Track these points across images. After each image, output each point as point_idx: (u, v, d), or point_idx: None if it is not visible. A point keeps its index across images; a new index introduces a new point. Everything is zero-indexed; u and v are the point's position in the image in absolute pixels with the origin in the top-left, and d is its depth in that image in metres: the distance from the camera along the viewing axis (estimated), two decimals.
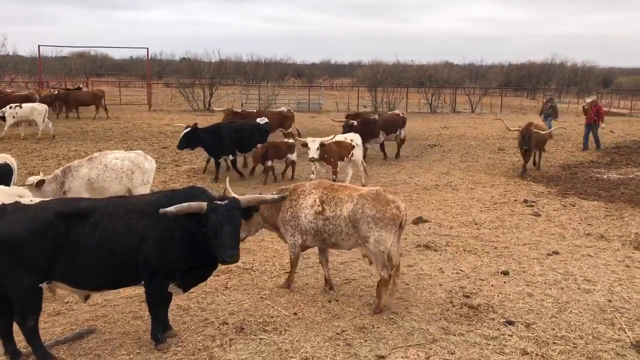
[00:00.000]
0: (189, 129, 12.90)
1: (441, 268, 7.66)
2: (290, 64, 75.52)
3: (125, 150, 9.83)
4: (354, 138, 12.92)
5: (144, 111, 30.32)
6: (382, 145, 16.81)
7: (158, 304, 5.28)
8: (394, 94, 36.55)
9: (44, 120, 19.03)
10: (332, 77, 78.44)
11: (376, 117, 16.77)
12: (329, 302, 6.48)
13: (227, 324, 5.87)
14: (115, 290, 5.95)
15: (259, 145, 13.06)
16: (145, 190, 8.89)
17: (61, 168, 8.54)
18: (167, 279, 5.14)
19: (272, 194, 6.36)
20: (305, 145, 11.75)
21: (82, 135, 19.88)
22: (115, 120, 25.16)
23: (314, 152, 11.48)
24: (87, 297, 5.44)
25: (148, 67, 36.42)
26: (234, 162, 13.62)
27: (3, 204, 4.92)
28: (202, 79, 35.35)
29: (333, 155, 12.10)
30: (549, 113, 21.00)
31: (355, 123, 15.28)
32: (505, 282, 7.18)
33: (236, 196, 5.33)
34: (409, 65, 54.54)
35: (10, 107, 18.82)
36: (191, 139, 12.86)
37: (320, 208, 6.35)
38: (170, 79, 51.85)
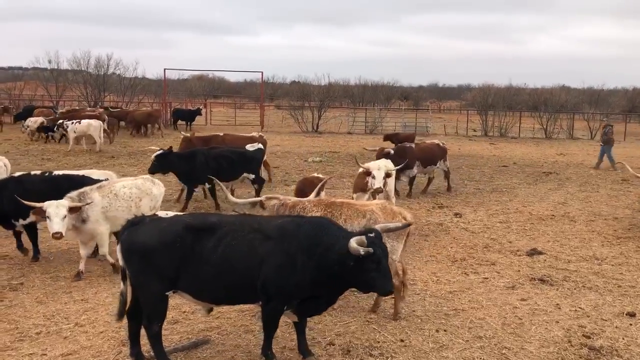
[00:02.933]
0: (160, 152, 11.76)
1: (558, 304, 7.21)
2: (396, 87, 75.57)
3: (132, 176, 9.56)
4: (388, 165, 10.85)
5: (256, 132, 31.63)
6: (412, 180, 14.31)
7: (272, 326, 5.30)
8: (506, 118, 35.28)
9: (100, 136, 20.99)
10: (440, 100, 77.30)
11: (412, 145, 14.92)
12: (437, 331, 6.32)
13: (333, 344, 5.91)
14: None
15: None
16: None
17: (76, 192, 7.85)
18: (283, 304, 5.12)
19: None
20: (368, 173, 10.08)
21: None
22: None
23: (379, 182, 9.81)
24: (210, 310, 5.65)
25: (262, 90, 38.11)
26: (211, 190, 12.31)
27: (142, 215, 5.35)
28: (311, 102, 36.33)
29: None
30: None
31: (392, 151, 13.77)
32: (631, 325, 6.61)
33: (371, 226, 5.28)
34: (522, 89, 52.57)
35: (72, 123, 21.07)
36: (162, 162, 11.65)
37: None
38: (281, 102, 53.78)
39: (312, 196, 7.81)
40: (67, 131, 21.07)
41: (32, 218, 8.16)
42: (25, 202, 7.41)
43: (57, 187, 8.27)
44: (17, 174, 8.88)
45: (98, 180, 8.63)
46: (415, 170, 14.12)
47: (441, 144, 15.49)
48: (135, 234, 5.09)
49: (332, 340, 6.01)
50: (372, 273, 4.73)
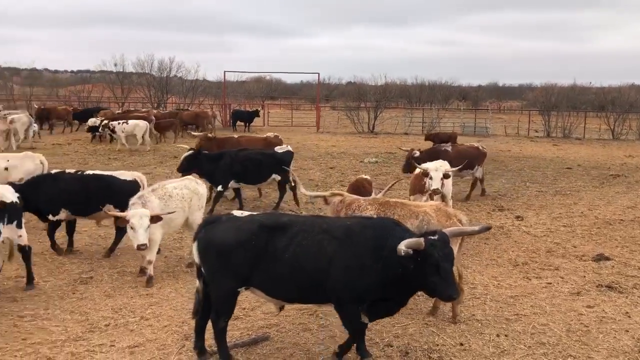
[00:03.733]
0: (190, 152, 11.83)
1: (627, 312, 6.90)
2: (455, 87, 74.21)
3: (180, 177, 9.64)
4: (445, 166, 10.51)
5: (312, 132, 31.87)
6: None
7: (354, 326, 5.22)
8: (570, 119, 34.01)
9: (143, 136, 21.80)
10: (500, 99, 75.35)
11: (449, 148, 14.05)
12: (497, 336, 6.19)
13: (391, 346, 5.89)
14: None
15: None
16: (200, 215, 8.45)
17: (137, 196, 7.88)
18: (355, 305, 5.06)
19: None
20: (425, 174, 9.87)
21: None
22: (286, 140, 26.73)
23: (437, 183, 9.60)
24: (281, 307, 5.72)
25: (318, 91, 38.34)
26: (237, 191, 12.39)
27: (219, 215, 5.55)
28: (367, 102, 36.23)
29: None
30: None
31: (418, 153, 13.16)
32: None
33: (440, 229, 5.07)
34: (588, 88, 50.47)
35: (119, 124, 21.96)
36: (192, 162, 11.67)
37: None
38: (337, 102, 53.91)
39: (379, 195, 7.87)
40: (114, 132, 21.93)
41: (61, 215, 8.55)
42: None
43: (87, 185, 8.67)
44: (53, 171, 9.24)
45: (126, 181, 8.86)
46: (449, 173, 13.33)
47: (480, 147, 14.50)
48: (212, 233, 5.25)
49: (390, 341, 5.99)
50: (433, 277, 4.64)
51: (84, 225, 10.26)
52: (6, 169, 10.44)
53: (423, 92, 63.43)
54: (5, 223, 6.94)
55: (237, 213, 5.60)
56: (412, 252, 4.57)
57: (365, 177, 10.65)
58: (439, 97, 61.80)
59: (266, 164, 12.09)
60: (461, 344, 5.97)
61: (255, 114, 33.75)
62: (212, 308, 5.38)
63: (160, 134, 25.38)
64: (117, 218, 7.41)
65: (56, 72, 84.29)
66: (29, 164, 10.64)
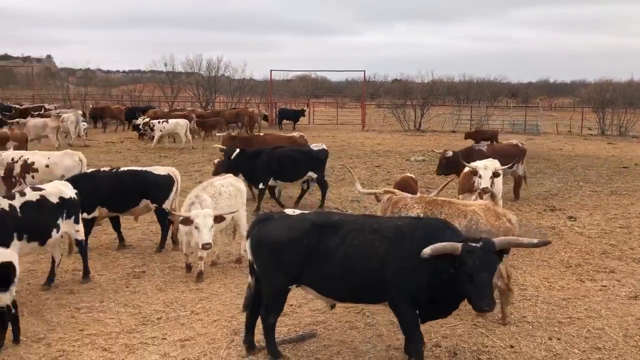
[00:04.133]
0: (237, 152, 11.82)
1: None
2: (504, 84, 72.58)
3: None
4: (495, 164, 10.11)
5: (357, 131, 31.81)
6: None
7: (411, 326, 5.08)
8: (626, 116, 32.71)
9: (185, 134, 22.12)
10: (551, 96, 73.21)
11: (483, 147, 13.46)
12: (550, 339, 6.02)
13: (439, 346, 5.83)
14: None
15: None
16: (243, 212, 8.61)
17: (194, 195, 7.99)
18: (409, 306, 4.98)
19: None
20: (474, 173, 9.58)
21: None
22: (332, 138, 26.83)
23: (486, 182, 9.32)
24: (333, 306, 5.74)
25: (364, 89, 38.26)
26: (262, 191, 12.05)
27: (271, 212, 5.67)
28: (413, 100, 35.87)
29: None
30: None
31: (450, 154, 12.64)
32: None
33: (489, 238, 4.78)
34: None
35: (159, 122, 22.29)
36: (231, 162, 11.71)
37: None
38: (382, 100, 53.60)
39: (433, 194, 7.81)
40: (153, 129, 22.47)
41: (96, 213, 8.72)
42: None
43: (122, 182, 8.86)
44: (89, 170, 9.58)
45: (160, 176, 9.05)
46: None
47: (520, 145, 13.84)
48: (265, 230, 5.31)
49: (438, 342, 5.92)
50: (467, 285, 4.49)
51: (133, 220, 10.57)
52: (47, 166, 10.86)
53: (471, 89, 62.37)
54: (64, 218, 7.23)
55: (289, 211, 5.64)
56: (427, 254, 4.52)
57: (411, 175, 10.57)
58: (487, 94, 60.64)
59: (302, 161, 12.13)
60: (511, 346, 5.84)
61: (301, 113, 33.88)
62: (263, 304, 5.46)
63: (207, 132, 25.86)
64: (181, 218, 7.42)
65: (109, 72, 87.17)
66: (68, 161, 11.02)
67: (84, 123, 24.62)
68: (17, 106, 30.88)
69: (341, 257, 5.00)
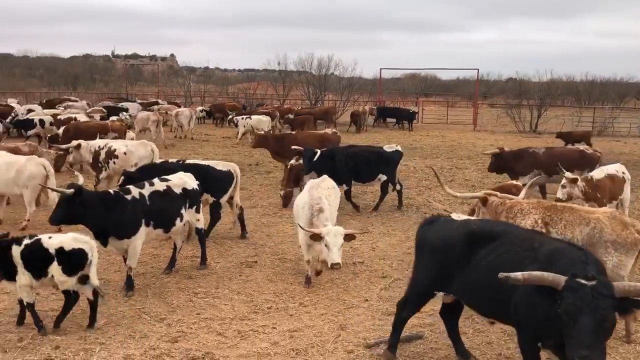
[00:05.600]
0: (311, 153, 11.61)
1: None
2: (632, 83, 66.89)
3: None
4: (624, 170, 9.49)
5: (468, 131, 30.88)
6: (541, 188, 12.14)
7: (526, 355, 4.56)
8: None
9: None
10: None
11: (539, 150, 12.55)
12: None
13: None
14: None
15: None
16: (335, 212, 8.29)
17: (314, 201, 7.68)
18: (532, 338, 4.37)
19: None
20: (574, 181, 8.96)
21: (411, 152, 21.29)
22: (441, 138, 26.29)
23: (561, 193, 8.79)
24: (492, 323, 5.46)
25: (477, 87, 37.05)
26: (347, 192, 11.62)
27: (438, 215, 5.70)
28: (529, 100, 34.14)
29: (604, 193, 9.01)
30: None
31: (498, 150, 12.38)
32: None
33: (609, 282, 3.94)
34: None
35: (242, 118, 22.91)
36: (311, 163, 11.49)
37: (543, 230, 5.88)
38: (495, 100, 51.56)
39: (521, 195, 7.48)
40: (237, 125, 23.12)
41: None
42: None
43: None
44: (158, 161, 10.27)
45: (221, 171, 9.27)
46: (528, 178, 11.34)
47: (587, 151, 12.54)
48: (427, 231, 5.34)
49: None
50: (566, 328, 3.78)
51: (248, 213, 11.05)
52: (125, 153, 11.97)
53: (594, 89, 58.18)
54: (187, 208, 7.72)
55: (455, 216, 5.52)
56: (520, 280, 3.89)
57: (516, 183, 9.89)
58: (612, 94, 56.24)
59: (375, 162, 11.75)
60: None
61: (412, 114, 33.03)
62: (404, 296, 5.53)
63: (296, 129, 26.44)
64: (311, 234, 7.10)
65: (226, 70, 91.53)
66: (142, 150, 12.12)
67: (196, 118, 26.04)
68: (144, 101, 33.44)
69: (485, 267, 4.66)
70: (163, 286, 7.46)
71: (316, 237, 7.02)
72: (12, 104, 27.24)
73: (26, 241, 5.89)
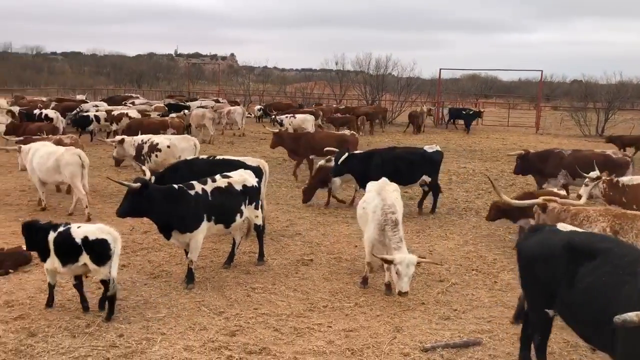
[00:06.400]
0: (345, 156, 11.40)
1: None
2: None
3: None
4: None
5: (530, 134, 29.95)
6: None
7: None
8: None
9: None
10: None
11: (566, 152, 12.29)
12: None
13: None
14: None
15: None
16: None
17: (387, 206, 7.40)
18: None
19: None
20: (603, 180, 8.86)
21: (471, 154, 20.87)
22: (502, 141, 25.63)
23: (583, 191, 8.76)
24: (593, 350, 5.29)
25: (540, 89, 35.81)
26: None
27: (544, 224, 5.47)
28: (596, 103, 32.77)
29: (634, 199, 8.65)
30: None
31: (523, 152, 12.47)
32: None
33: None
34: None
35: (287, 117, 22.83)
36: (344, 165, 11.29)
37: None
38: (559, 102, 49.78)
39: (582, 200, 7.19)
40: (282, 124, 23.13)
41: None
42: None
43: (216, 170, 8.82)
44: (189, 157, 10.55)
45: (251, 166, 9.14)
46: (560, 180, 11.83)
47: (614, 155, 12.02)
48: (528, 242, 5.08)
49: None
50: None
51: (304, 212, 11.15)
52: (168, 147, 12.50)
53: None
54: (247, 204, 7.86)
55: (560, 226, 5.16)
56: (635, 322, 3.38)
57: (562, 192, 9.46)
58: None
59: (417, 163, 11.42)
60: None
61: (477, 114, 32.12)
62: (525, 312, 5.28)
63: (337, 128, 26.38)
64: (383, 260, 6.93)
65: (283, 70, 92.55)
66: (185, 144, 12.62)
67: (249, 116, 26.42)
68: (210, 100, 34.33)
69: (583, 289, 4.30)
70: (222, 280, 7.63)
71: (388, 263, 6.81)
72: (81, 98, 28.70)
73: (60, 228, 6.26)
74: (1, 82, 51.82)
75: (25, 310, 6.44)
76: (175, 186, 7.24)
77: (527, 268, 4.91)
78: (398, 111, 36.19)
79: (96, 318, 6.26)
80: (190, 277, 7.36)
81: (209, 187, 7.43)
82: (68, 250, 6.14)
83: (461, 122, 30.73)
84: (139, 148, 12.71)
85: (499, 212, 9.35)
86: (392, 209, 7.20)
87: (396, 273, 6.66)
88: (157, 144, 12.58)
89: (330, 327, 6.28)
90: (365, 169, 11.12)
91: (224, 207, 7.50)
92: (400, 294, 6.69)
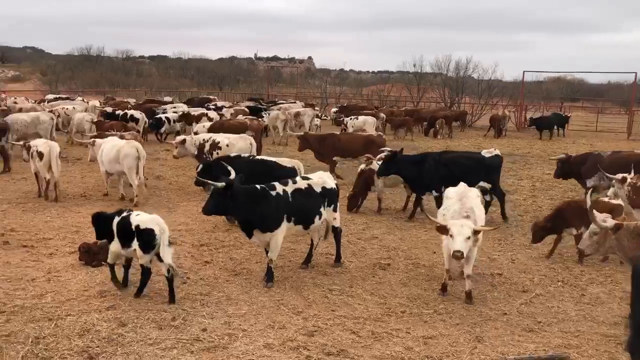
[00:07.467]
0: (388, 154, 11.14)
1: None
2: None
3: None
4: None
5: (621, 140, 28.33)
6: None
7: None
8: None
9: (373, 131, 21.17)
10: None
11: (605, 153, 12.10)
12: None
13: None
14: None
15: None
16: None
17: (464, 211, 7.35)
18: None
19: None
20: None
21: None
22: (589, 147, 24.31)
23: (611, 191, 8.98)
24: None
25: (633, 92, 33.73)
26: (437, 199, 10.64)
27: None
28: None
29: None
30: None
31: (565, 156, 12.37)
32: None
33: None
34: None
35: (351, 119, 23.23)
36: (390, 165, 10.90)
37: None
38: None
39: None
40: (346, 125, 22.89)
41: None
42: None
43: (253, 168, 9.63)
44: (232, 154, 11.09)
45: (286, 167, 9.38)
46: (593, 181, 11.68)
47: None
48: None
49: None
50: None
51: (380, 216, 11.05)
52: (227, 145, 13.20)
53: None
54: (326, 206, 7.93)
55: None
56: None
57: (618, 202, 8.81)
58: None
59: (474, 168, 10.82)
60: None
61: (565, 119, 30.64)
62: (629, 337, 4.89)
63: (395, 130, 26.06)
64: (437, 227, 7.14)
65: (360, 72, 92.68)
66: (242, 143, 13.38)
67: (318, 120, 26.54)
68: (282, 102, 34.92)
69: None
70: (300, 280, 7.73)
71: (443, 230, 6.93)
72: (168, 100, 30.15)
73: (124, 214, 6.90)
74: (94, 84, 55.31)
75: (117, 301, 6.81)
76: (258, 187, 7.42)
77: (637, 287, 4.44)
78: (478, 114, 35.23)
79: (181, 312, 6.51)
80: (269, 276, 7.51)
81: (290, 188, 7.56)
82: (125, 234, 6.76)
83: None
84: (201, 147, 13.43)
85: (543, 231, 9.03)
86: (468, 212, 7.15)
87: (450, 236, 6.72)
88: (218, 142, 13.34)
89: (409, 333, 6.21)
90: (417, 172, 10.87)
91: (304, 208, 7.61)
92: (455, 254, 6.59)
